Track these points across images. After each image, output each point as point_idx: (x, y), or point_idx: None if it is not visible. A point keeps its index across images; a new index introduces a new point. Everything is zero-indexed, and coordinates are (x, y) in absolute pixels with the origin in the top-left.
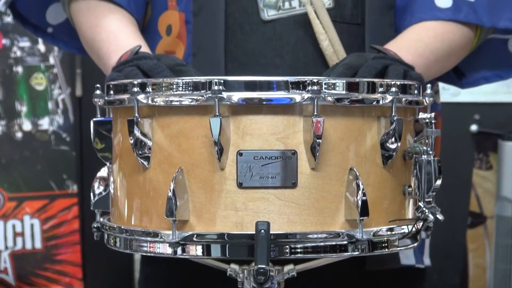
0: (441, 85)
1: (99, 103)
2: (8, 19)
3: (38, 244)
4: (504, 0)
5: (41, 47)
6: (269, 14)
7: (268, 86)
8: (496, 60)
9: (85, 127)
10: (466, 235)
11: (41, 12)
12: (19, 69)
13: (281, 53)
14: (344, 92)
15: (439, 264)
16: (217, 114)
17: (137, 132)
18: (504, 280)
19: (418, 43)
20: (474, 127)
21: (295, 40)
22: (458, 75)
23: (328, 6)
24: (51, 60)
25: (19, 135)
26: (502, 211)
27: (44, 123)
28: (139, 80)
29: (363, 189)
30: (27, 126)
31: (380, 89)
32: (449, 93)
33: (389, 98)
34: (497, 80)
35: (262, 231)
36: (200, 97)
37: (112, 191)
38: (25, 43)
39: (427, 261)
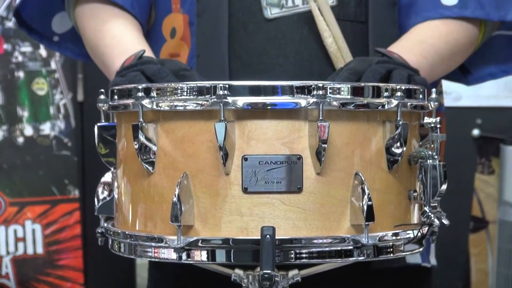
0: (443, 89)
1: (103, 108)
2: (10, 24)
3: (40, 249)
4: None
5: (43, 52)
6: (272, 12)
7: (272, 91)
8: (502, 56)
9: (87, 132)
10: (468, 239)
11: (47, 21)
12: (21, 74)
13: (285, 51)
14: (349, 96)
15: (441, 269)
16: (222, 119)
17: (141, 137)
18: (507, 285)
19: (422, 44)
20: (476, 132)
21: (299, 38)
22: (464, 73)
23: (332, 4)
24: (53, 65)
25: (20, 140)
26: (504, 216)
27: (46, 128)
28: (144, 85)
29: (368, 194)
30: (28, 131)
31: (385, 94)
32: (451, 98)
33: (394, 102)
34: (504, 75)
35: (268, 236)
36: (205, 102)
37: (116, 196)
38: (27, 48)
39: (433, 260)
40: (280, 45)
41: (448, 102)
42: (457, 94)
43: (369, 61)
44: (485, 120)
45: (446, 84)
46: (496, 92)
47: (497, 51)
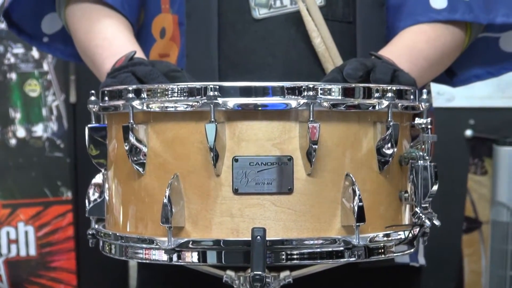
0: (435, 90)
1: (94, 109)
2: (2, 25)
3: (33, 251)
4: None
5: (35, 53)
6: (260, 12)
7: (263, 92)
8: (488, 58)
9: (79, 134)
10: (461, 240)
11: (36, 22)
12: (13, 75)
13: (273, 52)
14: (340, 97)
15: (434, 270)
16: (212, 120)
17: (132, 139)
18: (500, 285)
19: (411, 50)
20: (469, 132)
21: (287, 38)
22: (449, 75)
23: (320, 4)
24: (45, 67)
25: (13, 142)
26: (497, 216)
27: (38, 129)
28: (134, 86)
29: (359, 195)
30: (21, 133)
31: (376, 95)
32: (443, 98)
33: (385, 103)
34: (489, 77)
35: (258, 237)
36: (195, 103)
37: (107, 197)
38: (19, 50)
39: (421, 260)
40: (268, 45)
41: (441, 102)
42: (450, 94)
43: (373, 60)
44: (478, 121)
45: (439, 85)
46: (489, 92)
47: (482, 53)
